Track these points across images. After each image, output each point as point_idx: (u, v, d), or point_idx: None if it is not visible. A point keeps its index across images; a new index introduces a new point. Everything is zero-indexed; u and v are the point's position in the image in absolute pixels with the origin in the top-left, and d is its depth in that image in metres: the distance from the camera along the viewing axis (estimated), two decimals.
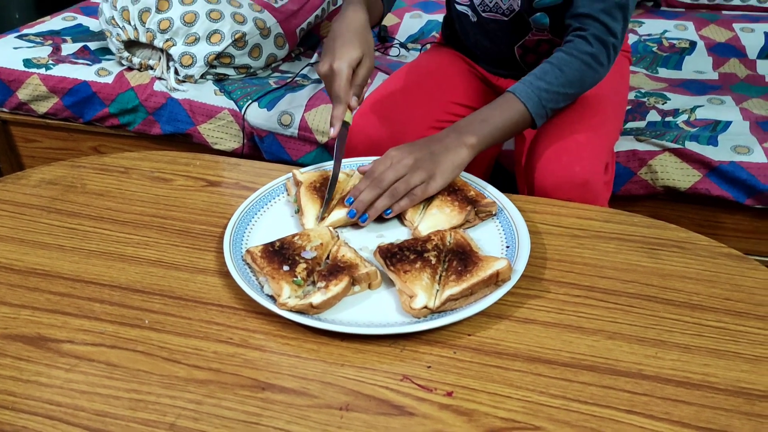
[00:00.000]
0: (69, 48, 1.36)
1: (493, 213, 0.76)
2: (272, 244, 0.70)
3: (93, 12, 1.54)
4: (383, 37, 1.56)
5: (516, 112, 0.80)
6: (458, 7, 1.01)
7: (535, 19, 0.94)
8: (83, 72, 1.28)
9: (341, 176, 0.80)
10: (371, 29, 0.84)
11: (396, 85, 1.00)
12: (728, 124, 1.12)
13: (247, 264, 0.69)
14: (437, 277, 0.65)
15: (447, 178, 0.75)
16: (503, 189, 0.81)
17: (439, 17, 1.64)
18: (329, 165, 0.83)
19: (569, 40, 0.84)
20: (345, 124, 0.80)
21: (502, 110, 0.80)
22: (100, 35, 1.42)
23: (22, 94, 1.29)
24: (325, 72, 0.79)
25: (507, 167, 1.10)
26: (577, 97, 0.85)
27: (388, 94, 0.98)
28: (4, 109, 1.34)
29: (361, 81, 0.80)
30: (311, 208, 0.75)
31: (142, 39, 1.24)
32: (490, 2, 0.95)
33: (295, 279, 0.64)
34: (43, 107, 1.31)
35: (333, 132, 0.79)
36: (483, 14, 0.97)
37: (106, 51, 1.36)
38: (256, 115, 1.22)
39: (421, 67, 1.06)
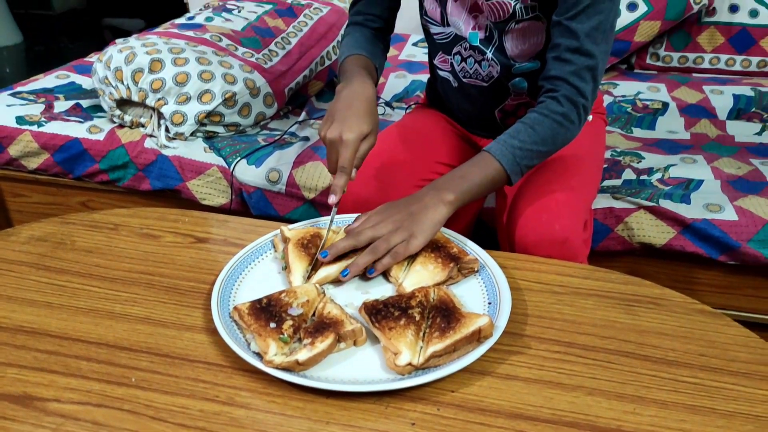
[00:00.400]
0: (61, 105, 1.39)
1: (476, 269, 0.78)
2: (259, 301, 0.71)
3: (85, 70, 1.58)
4: None
5: (492, 170, 0.83)
6: (440, 72, 1.06)
7: (513, 84, 0.99)
8: (75, 129, 1.31)
9: (329, 234, 0.82)
10: None
11: (383, 146, 1.03)
12: (700, 182, 1.17)
13: (235, 321, 0.70)
14: (421, 334, 0.66)
15: (428, 236, 0.78)
16: (485, 245, 0.83)
17: (423, 77, 1.71)
18: (316, 221, 0.86)
19: (541, 101, 0.88)
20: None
21: (478, 168, 0.83)
22: (92, 93, 1.45)
23: (13, 150, 1.31)
24: (333, 139, 0.82)
25: (489, 223, 1.13)
26: (551, 155, 0.88)
27: (376, 154, 1.01)
28: None
29: (363, 154, 0.83)
30: (298, 265, 0.77)
31: (135, 98, 1.27)
32: (471, 69, 1.00)
33: (281, 336, 0.65)
34: (33, 163, 1.32)
35: (333, 199, 0.82)
36: (464, 80, 1.02)
37: (98, 108, 1.39)
38: (245, 172, 1.24)
39: (406, 127, 1.10)
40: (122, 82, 1.27)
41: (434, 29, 1.00)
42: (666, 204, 1.09)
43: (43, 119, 1.33)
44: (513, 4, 0.89)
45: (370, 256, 0.76)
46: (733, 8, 1.69)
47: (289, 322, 0.67)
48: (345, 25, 1.05)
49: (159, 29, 1.52)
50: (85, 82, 1.52)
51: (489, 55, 0.96)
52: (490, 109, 1.04)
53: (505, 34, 0.93)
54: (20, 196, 1.39)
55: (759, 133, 1.43)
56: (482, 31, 0.94)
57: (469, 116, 1.10)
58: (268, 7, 1.65)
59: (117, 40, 1.73)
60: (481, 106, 1.05)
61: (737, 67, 1.72)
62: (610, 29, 0.86)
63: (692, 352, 0.69)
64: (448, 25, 0.97)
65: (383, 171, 0.99)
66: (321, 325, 0.67)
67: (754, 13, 1.69)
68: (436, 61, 1.05)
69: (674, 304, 0.76)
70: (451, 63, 1.02)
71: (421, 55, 1.87)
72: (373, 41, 1.00)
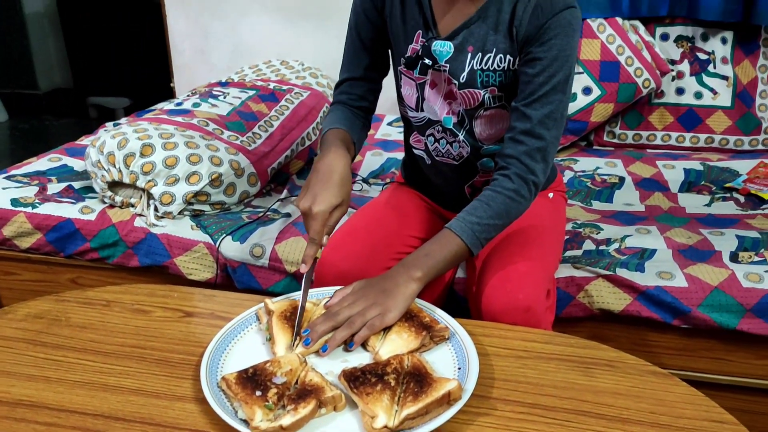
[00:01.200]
0: (54, 187, 1.46)
1: (446, 337, 0.85)
2: (246, 371, 0.77)
3: (76, 153, 1.66)
4: None
5: (454, 245, 0.92)
6: (415, 150, 1.16)
7: (482, 163, 1.09)
8: (67, 210, 1.38)
9: (309, 306, 0.89)
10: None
11: (362, 222, 1.12)
12: (654, 251, 1.26)
13: (222, 390, 0.75)
14: (396, 398, 0.72)
15: (401, 310, 0.85)
16: (457, 313, 0.90)
17: (398, 155, 1.81)
18: (298, 294, 0.92)
19: (495, 178, 0.98)
20: (314, 260, 0.90)
21: (441, 245, 0.92)
22: (83, 175, 1.53)
23: (7, 231, 1.37)
24: (305, 211, 0.91)
25: (460, 293, 1.20)
26: (507, 226, 0.97)
27: (355, 230, 1.09)
28: None
29: (334, 223, 0.92)
30: (282, 336, 0.83)
31: (126, 180, 1.35)
32: (443, 149, 1.10)
33: (266, 404, 0.71)
34: (26, 243, 1.38)
35: (303, 268, 0.90)
36: (437, 158, 1.12)
37: (89, 189, 1.46)
38: (230, 248, 1.31)
39: (383, 204, 1.19)
40: (114, 166, 1.35)
41: (410, 113, 1.11)
42: (622, 272, 1.17)
43: (37, 201, 1.40)
44: (482, 94, 1.01)
45: (347, 331, 0.82)
46: (680, 91, 1.85)
47: (274, 390, 0.73)
48: (330, 104, 1.14)
49: (149, 115, 1.61)
50: (76, 164, 1.59)
51: (460, 137, 1.06)
52: (461, 185, 1.14)
53: (475, 119, 1.04)
54: (11, 275, 1.43)
55: (708, 205, 1.54)
56: (455, 116, 1.05)
57: (441, 191, 1.19)
58: (251, 92, 1.76)
59: (107, 124, 1.83)
60: (452, 182, 1.14)
61: (687, 144, 1.86)
62: (561, 117, 0.97)
63: (644, 410, 0.75)
64: (422, 110, 1.08)
65: (363, 246, 1.07)
66: (303, 392, 0.72)
67: (698, 95, 1.85)
68: (411, 141, 1.16)
69: (628, 366, 0.83)
70: (425, 143, 1.12)
71: (396, 134, 1.99)
72: (353, 119, 1.10)
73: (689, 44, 1.86)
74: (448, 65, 1.00)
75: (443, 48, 1.00)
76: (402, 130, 1.92)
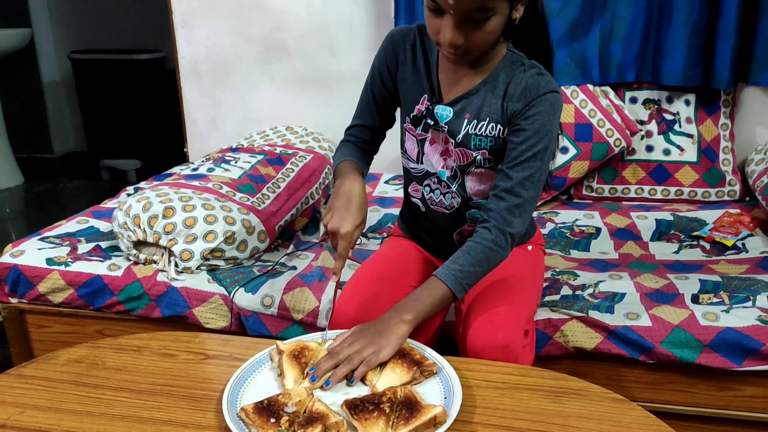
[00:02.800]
0: (84, 247, 1.61)
1: (435, 372, 0.99)
2: (261, 402, 0.90)
3: (101, 215, 1.82)
4: None
5: (440, 291, 1.07)
6: (412, 199, 1.32)
7: (470, 213, 1.25)
8: (97, 267, 1.53)
9: (314, 345, 1.03)
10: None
11: (368, 274, 1.28)
12: (623, 295, 1.40)
13: (242, 419, 0.89)
14: (390, 423, 0.86)
15: (393, 347, 1.00)
16: (448, 351, 1.04)
17: (394, 210, 1.97)
18: (305, 337, 1.06)
19: (476, 230, 1.12)
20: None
21: (429, 291, 1.07)
22: (109, 235, 1.68)
23: (42, 288, 1.52)
24: (333, 231, 1.08)
25: (450, 334, 1.34)
26: (488, 273, 1.12)
27: (363, 282, 1.25)
28: (24, 300, 1.55)
29: (356, 239, 1.09)
30: (291, 372, 0.97)
31: (150, 239, 1.51)
32: (437, 199, 1.26)
33: (280, 429, 0.85)
34: (58, 298, 1.53)
35: (334, 278, 1.07)
36: (431, 206, 1.28)
37: (115, 248, 1.61)
38: (243, 298, 1.46)
39: (385, 258, 1.34)
40: (139, 227, 1.51)
41: (410, 164, 1.27)
42: (594, 314, 1.31)
43: (69, 260, 1.55)
44: (475, 154, 1.18)
45: (347, 368, 0.97)
46: (649, 148, 2.03)
47: (286, 418, 0.87)
48: (340, 142, 1.32)
49: (169, 179, 1.78)
50: (102, 225, 1.75)
51: (453, 188, 1.22)
52: (450, 232, 1.29)
53: (467, 175, 1.21)
54: (43, 327, 1.57)
55: (677, 252, 1.69)
56: (449, 170, 1.22)
57: (432, 237, 1.34)
58: (260, 157, 1.94)
59: (129, 188, 2.00)
60: (443, 230, 1.29)
61: (659, 196, 2.02)
62: (538, 181, 1.12)
63: (605, 431, 0.88)
64: (422, 163, 1.25)
65: (370, 296, 1.21)
66: (311, 419, 0.86)
67: (667, 152, 2.02)
68: (410, 190, 1.32)
69: (592, 394, 0.97)
70: (422, 192, 1.28)
71: (392, 191, 2.16)
72: (360, 155, 1.28)
73: (656, 106, 2.05)
74: (447, 126, 1.17)
75: (444, 112, 1.17)
76: (398, 187, 2.10)
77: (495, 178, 1.15)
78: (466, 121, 1.16)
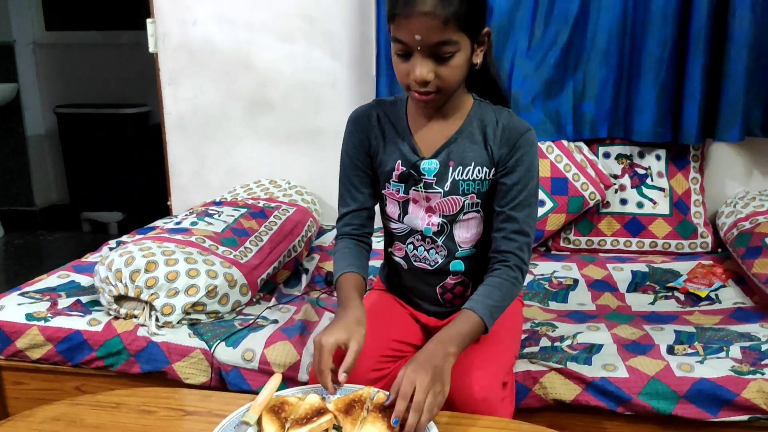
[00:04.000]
0: (64, 302, 1.61)
1: None
2: None
3: (83, 269, 1.82)
4: (329, 282, 1.88)
5: (478, 326, 1.11)
6: (394, 257, 1.34)
7: (453, 265, 1.27)
8: (76, 323, 1.52)
9: (294, 399, 1.04)
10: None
11: None
12: (601, 346, 1.43)
13: None
14: None
15: (448, 386, 1.02)
16: None
17: (375, 263, 1.99)
18: (283, 392, 1.06)
19: (497, 268, 1.18)
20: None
21: (469, 325, 1.10)
22: (90, 290, 1.68)
23: (21, 343, 1.50)
24: (314, 344, 1.06)
25: None
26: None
27: None
28: (0, 357, 1.53)
29: (349, 360, 1.04)
30: (270, 427, 0.97)
31: (131, 294, 1.51)
32: (420, 255, 1.29)
33: None
34: (37, 354, 1.51)
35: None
36: (414, 263, 1.30)
37: (96, 303, 1.61)
38: (223, 353, 1.46)
39: (367, 311, 1.29)
40: (121, 281, 1.51)
41: (392, 225, 1.30)
42: (572, 366, 1.33)
43: (49, 315, 1.54)
44: (462, 200, 1.22)
45: (427, 416, 0.95)
46: (623, 201, 2.09)
47: None
48: (335, 237, 1.32)
49: (152, 233, 1.80)
50: (83, 280, 1.75)
51: (439, 242, 1.26)
52: (434, 286, 1.31)
53: (456, 224, 1.24)
54: (19, 384, 1.55)
55: (652, 303, 1.73)
56: (434, 226, 1.25)
57: (415, 292, 1.35)
58: (243, 210, 1.96)
59: (110, 242, 2.01)
60: (426, 284, 1.31)
61: (634, 248, 2.07)
62: (536, 216, 1.22)
63: None
64: (404, 222, 1.28)
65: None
66: None
67: (640, 205, 2.08)
68: (392, 249, 1.34)
69: None
70: (405, 250, 1.30)
71: (374, 244, 2.18)
72: (358, 254, 1.26)
73: (628, 161, 2.12)
74: (435, 178, 1.21)
75: (430, 165, 1.21)
76: (378, 239, 2.12)
77: (481, 224, 1.23)
78: (451, 169, 1.21)
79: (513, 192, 1.18)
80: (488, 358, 1.17)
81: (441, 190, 1.22)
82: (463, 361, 1.14)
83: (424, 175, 1.22)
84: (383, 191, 1.28)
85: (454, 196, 1.22)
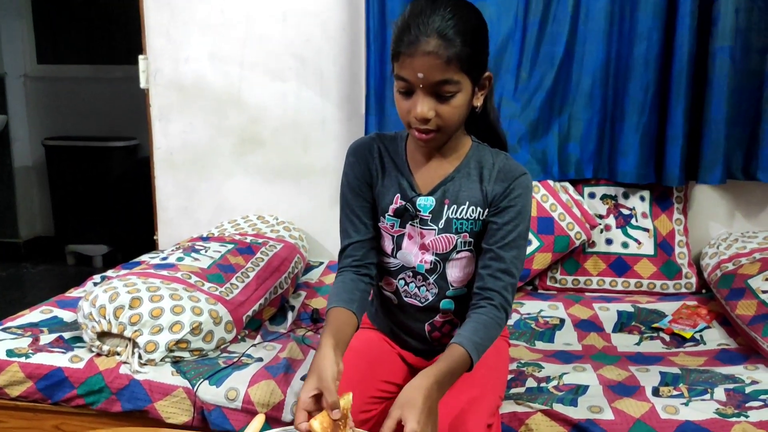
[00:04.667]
0: (46, 338, 1.59)
1: None
2: None
3: (66, 305, 1.80)
4: (315, 319, 1.87)
5: (464, 360, 1.11)
6: (384, 292, 1.34)
7: (443, 304, 1.28)
8: (58, 359, 1.50)
9: None
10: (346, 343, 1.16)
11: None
12: (587, 387, 1.42)
13: None
14: None
15: (437, 419, 1.04)
16: None
17: None
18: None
19: (483, 305, 1.18)
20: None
21: (456, 360, 1.10)
22: (73, 326, 1.66)
23: (0, 380, 1.48)
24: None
25: None
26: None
27: None
28: None
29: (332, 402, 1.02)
30: None
31: (114, 330, 1.49)
32: (411, 291, 1.30)
33: None
34: (16, 391, 1.48)
35: None
36: (404, 299, 1.31)
37: (78, 339, 1.59)
38: (206, 392, 1.43)
39: (355, 352, 1.29)
40: (105, 318, 1.50)
41: (385, 259, 1.31)
42: (558, 407, 1.33)
43: (30, 351, 1.52)
44: (456, 239, 1.23)
45: None
46: (609, 241, 2.11)
47: None
48: (337, 271, 1.30)
49: (137, 269, 1.78)
50: (66, 315, 1.73)
51: (431, 280, 1.27)
52: (422, 323, 1.32)
53: (449, 263, 1.26)
54: None
55: (638, 344, 1.73)
56: (427, 264, 1.26)
57: (403, 329, 1.35)
58: (230, 246, 1.96)
59: (95, 277, 1.99)
60: (415, 320, 1.32)
61: (619, 287, 2.08)
62: (523, 258, 1.23)
63: None
64: (397, 257, 1.28)
65: (341, 388, 1.20)
66: None
67: (625, 245, 2.11)
68: (382, 283, 1.34)
69: None
70: (396, 285, 1.31)
71: None
72: (355, 286, 1.24)
73: (613, 201, 2.15)
74: (431, 215, 1.23)
75: (426, 202, 1.24)
76: None
77: (473, 264, 1.25)
78: (446, 207, 1.23)
79: (503, 231, 1.19)
80: (473, 401, 1.16)
81: (435, 228, 1.24)
82: (449, 402, 1.13)
83: (420, 211, 1.24)
84: (379, 224, 1.29)
85: (447, 234, 1.24)
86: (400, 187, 1.25)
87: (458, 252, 1.25)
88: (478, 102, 1.19)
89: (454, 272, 1.27)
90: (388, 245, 1.29)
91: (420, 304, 1.29)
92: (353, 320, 1.21)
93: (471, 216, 1.22)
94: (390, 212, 1.26)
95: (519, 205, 1.20)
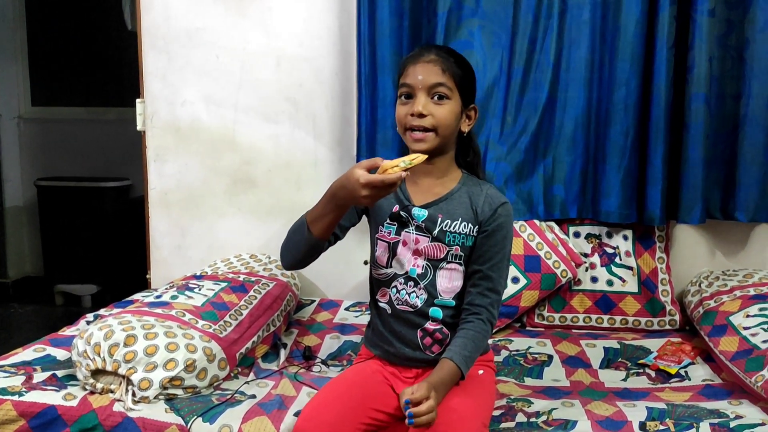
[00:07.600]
0: (39, 376, 1.59)
1: None
2: None
3: (59, 343, 1.80)
4: (307, 356, 1.89)
5: (454, 372, 1.27)
6: (380, 304, 1.45)
7: (432, 311, 1.39)
8: (51, 397, 1.50)
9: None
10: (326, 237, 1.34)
11: (332, 394, 1.35)
12: (575, 423, 1.45)
13: None
14: None
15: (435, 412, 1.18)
16: None
17: (355, 338, 2.01)
18: None
19: (471, 320, 1.34)
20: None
21: (448, 372, 1.27)
22: (66, 363, 1.67)
23: None
24: (358, 176, 1.21)
25: None
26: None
27: (326, 402, 1.32)
28: None
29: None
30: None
31: (109, 368, 1.50)
32: (403, 298, 1.41)
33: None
34: (9, 429, 1.47)
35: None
36: (397, 307, 1.41)
37: (72, 377, 1.59)
38: (200, 429, 1.44)
39: (350, 380, 1.43)
40: (99, 355, 1.51)
41: (379, 271, 1.43)
42: None
43: (23, 389, 1.52)
44: (447, 250, 1.38)
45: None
46: (594, 279, 2.17)
47: None
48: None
49: (131, 307, 1.80)
50: (59, 354, 1.74)
51: (422, 285, 1.39)
52: (415, 329, 1.41)
53: (438, 271, 1.38)
54: None
55: (624, 380, 1.77)
56: (420, 268, 1.39)
57: (398, 338, 1.42)
58: (223, 284, 1.99)
59: (88, 315, 2.00)
60: (409, 327, 1.41)
61: (605, 324, 2.13)
62: (506, 278, 1.43)
63: None
64: (391, 267, 1.41)
65: (333, 416, 1.27)
66: None
67: (610, 283, 2.16)
68: (378, 296, 1.45)
69: None
70: (389, 295, 1.42)
71: (352, 318, 2.20)
72: None
73: (597, 240, 2.21)
74: (424, 224, 1.39)
75: (420, 213, 1.40)
76: (358, 314, 2.17)
77: (461, 277, 1.39)
78: (440, 219, 1.38)
79: (491, 252, 1.36)
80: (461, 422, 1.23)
81: (429, 236, 1.38)
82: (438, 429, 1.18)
83: (415, 219, 1.39)
84: (376, 235, 1.43)
85: (440, 243, 1.38)
86: (398, 198, 1.41)
87: (448, 262, 1.38)
88: (465, 128, 1.40)
89: (443, 282, 1.39)
90: (382, 255, 1.42)
91: (411, 310, 1.40)
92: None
93: (463, 231, 1.38)
94: (388, 219, 1.41)
95: (504, 230, 1.38)
